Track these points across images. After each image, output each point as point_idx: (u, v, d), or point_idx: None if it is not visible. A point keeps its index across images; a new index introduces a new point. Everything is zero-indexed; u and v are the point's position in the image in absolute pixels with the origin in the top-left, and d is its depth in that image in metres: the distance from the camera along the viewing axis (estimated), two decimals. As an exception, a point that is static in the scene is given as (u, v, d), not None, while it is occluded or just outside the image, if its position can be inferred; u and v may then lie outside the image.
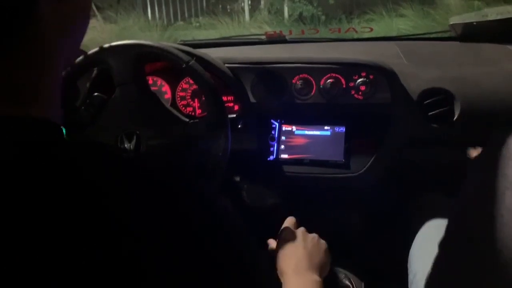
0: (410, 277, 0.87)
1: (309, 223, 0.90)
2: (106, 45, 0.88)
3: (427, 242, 0.91)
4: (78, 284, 0.29)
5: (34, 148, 0.33)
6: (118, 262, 0.30)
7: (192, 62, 0.88)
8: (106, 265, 0.30)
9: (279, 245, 0.78)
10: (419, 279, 0.83)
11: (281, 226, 0.86)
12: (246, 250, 0.42)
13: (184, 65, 0.87)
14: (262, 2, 5.21)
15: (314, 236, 0.80)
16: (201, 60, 0.97)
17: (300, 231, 0.81)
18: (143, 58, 0.88)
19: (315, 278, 0.71)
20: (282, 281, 0.72)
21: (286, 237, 0.79)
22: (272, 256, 0.79)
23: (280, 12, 4.97)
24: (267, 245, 0.86)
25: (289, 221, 0.85)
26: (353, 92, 1.02)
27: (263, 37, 1.40)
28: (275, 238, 0.84)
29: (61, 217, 0.30)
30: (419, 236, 0.94)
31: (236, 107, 1.11)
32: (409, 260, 0.91)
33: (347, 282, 0.96)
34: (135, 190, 0.35)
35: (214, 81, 0.90)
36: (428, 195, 1.09)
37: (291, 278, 0.71)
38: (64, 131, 0.89)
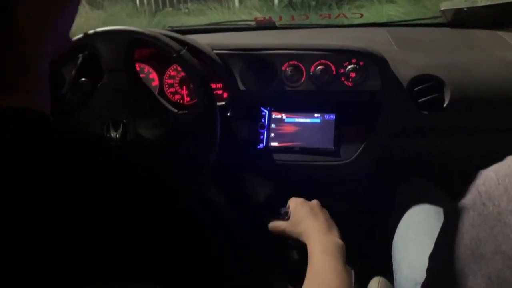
0: (395, 266, 0.87)
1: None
2: (91, 31, 0.86)
3: (409, 230, 0.92)
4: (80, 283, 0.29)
5: (16, 137, 0.32)
6: (117, 259, 0.30)
7: (184, 52, 0.86)
8: (106, 262, 0.30)
9: (298, 210, 0.82)
10: (403, 268, 0.83)
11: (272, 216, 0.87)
12: (237, 241, 0.42)
13: (175, 55, 0.86)
14: (252, -12, 5.14)
15: (325, 209, 0.84)
16: (189, 46, 0.95)
17: (315, 202, 0.85)
18: (133, 45, 0.86)
19: (339, 241, 0.74)
20: (306, 242, 0.75)
21: (304, 204, 0.83)
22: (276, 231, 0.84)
23: (270, -3, 4.91)
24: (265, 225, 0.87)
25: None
26: (343, 79, 1.01)
27: (253, 23, 1.38)
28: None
29: (49, 211, 0.29)
30: (401, 224, 0.94)
31: (225, 95, 1.10)
32: (393, 248, 0.91)
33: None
34: (123, 179, 0.35)
35: (203, 68, 0.88)
36: (412, 181, 1.09)
37: (317, 237, 0.74)
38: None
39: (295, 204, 0.85)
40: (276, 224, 0.85)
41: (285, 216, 0.86)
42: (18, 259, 0.28)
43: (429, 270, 0.54)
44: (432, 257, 0.54)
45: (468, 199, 0.42)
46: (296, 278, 0.71)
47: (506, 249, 0.36)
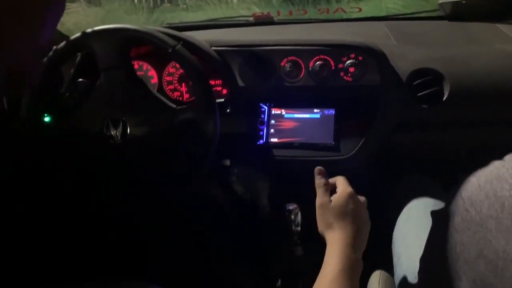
0: (395, 260, 0.88)
1: (299, 206, 0.90)
2: (89, 30, 0.86)
3: (408, 224, 0.92)
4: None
5: None
6: (117, 257, 0.30)
7: (179, 46, 0.86)
8: (106, 260, 0.30)
9: (345, 201, 0.71)
10: (403, 261, 0.84)
11: (270, 214, 0.86)
12: (238, 239, 0.42)
13: (170, 50, 0.85)
14: (250, -17, 5.11)
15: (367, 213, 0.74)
16: (187, 43, 0.95)
17: (365, 200, 0.74)
18: (128, 42, 0.86)
19: (360, 260, 0.67)
20: (328, 243, 0.68)
21: (354, 199, 0.72)
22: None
23: (268, -8, 4.88)
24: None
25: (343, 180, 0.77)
26: (342, 74, 1.01)
27: (251, 18, 1.38)
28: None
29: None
30: (400, 219, 0.94)
31: (224, 91, 1.10)
32: (393, 242, 0.92)
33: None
34: (122, 176, 0.35)
35: (201, 64, 0.88)
36: (412, 175, 1.09)
37: (343, 251, 0.66)
38: (49, 118, 0.88)
39: (343, 191, 0.73)
40: (321, 196, 0.74)
41: (291, 214, 0.86)
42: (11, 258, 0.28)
43: (420, 273, 0.55)
44: (422, 261, 0.55)
45: (452, 205, 0.43)
46: (299, 275, 0.72)
47: (488, 253, 0.37)
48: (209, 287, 0.34)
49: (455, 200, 0.43)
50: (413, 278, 0.77)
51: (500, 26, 1.17)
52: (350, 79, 1.01)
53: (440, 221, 0.45)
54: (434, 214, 0.51)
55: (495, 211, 0.37)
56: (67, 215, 0.27)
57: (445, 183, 1.01)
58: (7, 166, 0.28)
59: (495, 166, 0.41)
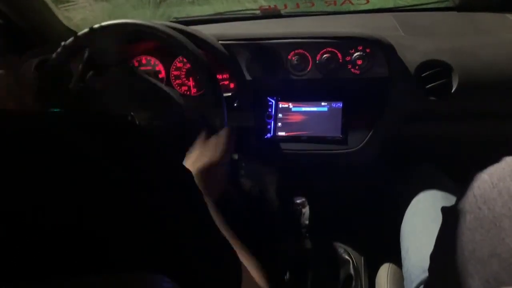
0: (403, 253, 0.87)
1: (307, 199, 0.90)
2: (97, 26, 0.86)
3: (416, 217, 0.92)
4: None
5: None
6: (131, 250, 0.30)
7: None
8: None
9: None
10: (412, 255, 0.83)
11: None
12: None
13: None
14: (256, -25, 5.08)
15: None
16: (194, 37, 0.95)
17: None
18: (134, 37, 0.87)
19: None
20: None
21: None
22: None
23: (275, -15, 4.85)
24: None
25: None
26: (349, 66, 1.00)
27: (258, 11, 1.37)
28: None
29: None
30: (409, 211, 0.94)
31: (231, 85, 1.10)
32: (401, 235, 0.91)
33: (347, 257, 0.97)
34: (132, 172, 0.35)
35: (209, 58, 0.88)
36: (420, 168, 1.09)
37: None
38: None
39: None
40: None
41: (299, 208, 0.86)
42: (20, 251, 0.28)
43: (430, 270, 0.55)
44: (432, 258, 0.54)
45: (465, 203, 0.43)
46: (307, 267, 0.72)
47: (502, 252, 0.36)
48: (218, 281, 0.34)
49: (467, 198, 0.42)
50: (421, 271, 0.77)
51: (510, 16, 1.16)
52: (357, 71, 1.00)
53: (451, 219, 0.44)
54: (444, 212, 0.50)
55: (509, 209, 0.37)
56: (74, 209, 0.27)
57: (453, 175, 1.00)
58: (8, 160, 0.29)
59: (508, 164, 0.40)
